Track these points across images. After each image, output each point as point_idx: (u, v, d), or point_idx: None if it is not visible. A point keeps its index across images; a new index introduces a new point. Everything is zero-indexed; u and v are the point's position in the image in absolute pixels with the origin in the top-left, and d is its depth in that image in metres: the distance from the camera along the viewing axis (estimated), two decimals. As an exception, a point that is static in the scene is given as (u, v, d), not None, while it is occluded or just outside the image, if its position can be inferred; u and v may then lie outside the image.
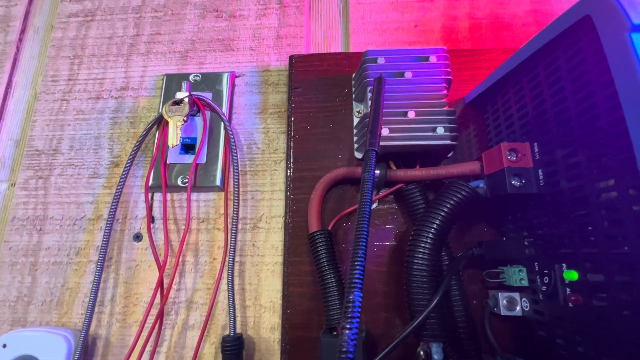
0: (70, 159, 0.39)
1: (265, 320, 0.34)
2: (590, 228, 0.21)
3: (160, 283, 0.33)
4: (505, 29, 0.41)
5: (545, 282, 0.25)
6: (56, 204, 0.38)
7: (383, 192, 0.33)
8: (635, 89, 0.17)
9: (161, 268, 0.34)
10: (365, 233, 0.20)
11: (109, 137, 0.40)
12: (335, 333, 0.28)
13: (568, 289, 0.23)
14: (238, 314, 0.34)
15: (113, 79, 0.42)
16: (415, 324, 0.24)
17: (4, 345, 0.31)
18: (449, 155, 0.34)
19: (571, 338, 0.23)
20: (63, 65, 0.43)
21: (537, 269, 0.26)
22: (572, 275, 0.22)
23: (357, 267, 0.19)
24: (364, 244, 0.20)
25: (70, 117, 0.41)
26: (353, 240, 0.21)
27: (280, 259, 0.35)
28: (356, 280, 0.19)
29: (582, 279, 0.22)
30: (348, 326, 0.18)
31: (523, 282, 0.27)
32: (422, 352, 0.26)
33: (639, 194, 0.18)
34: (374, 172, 0.24)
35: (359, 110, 0.36)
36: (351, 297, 0.18)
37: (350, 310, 0.18)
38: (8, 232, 0.38)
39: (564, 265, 0.23)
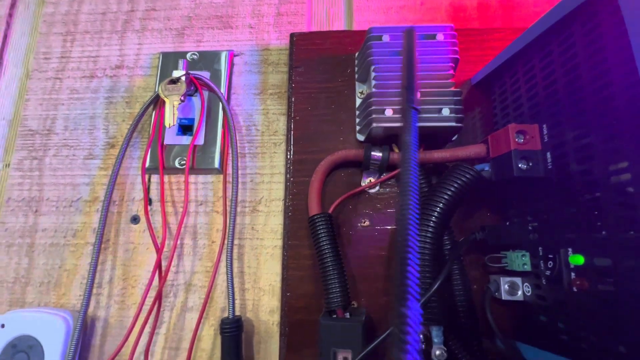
0: (65, 139, 0.38)
1: (264, 303, 0.33)
2: (596, 212, 0.21)
3: (158, 265, 0.33)
4: (515, 9, 0.39)
5: (550, 266, 0.24)
6: (52, 185, 0.37)
7: (385, 175, 0.32)
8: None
9: (159, 250, 0.33)
10: (413, 221, 0.15)
11: (104, 117, 0.39)
12: (335, 316, 0.28)
13: (573, 274, 0.22)
14: (237, 296, 0.33)
15: (107, 56, 0.40)
16: (416, 307, 0.24)
17: (2, 325, 0.31)
18: (453, 138, 0.33)
19: (574, 323, 0.22)
20: (55, 42, 0.41)
21: (541, 253, 0.25)
22: (577, 259, 0.22)
23: (409, 265, 0.14)
24: (413, 242, 0.15)
25: (64, 96, 0.40)
26: (397, 232, 0.16)
27: (279, 243, 0.34)
28: (409, 284, 0.13)
29: (589, 263, 0.21)
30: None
31: (526, 267, 0.26)
32: (422, 336, 0.26)
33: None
34: (417, 134, 0.19)
35: (361, 91, 0.35)
36: (403, 309, 0.13)
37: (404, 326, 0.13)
38: (3, 213, 0.37)
39: (570, 249, 0.23)
